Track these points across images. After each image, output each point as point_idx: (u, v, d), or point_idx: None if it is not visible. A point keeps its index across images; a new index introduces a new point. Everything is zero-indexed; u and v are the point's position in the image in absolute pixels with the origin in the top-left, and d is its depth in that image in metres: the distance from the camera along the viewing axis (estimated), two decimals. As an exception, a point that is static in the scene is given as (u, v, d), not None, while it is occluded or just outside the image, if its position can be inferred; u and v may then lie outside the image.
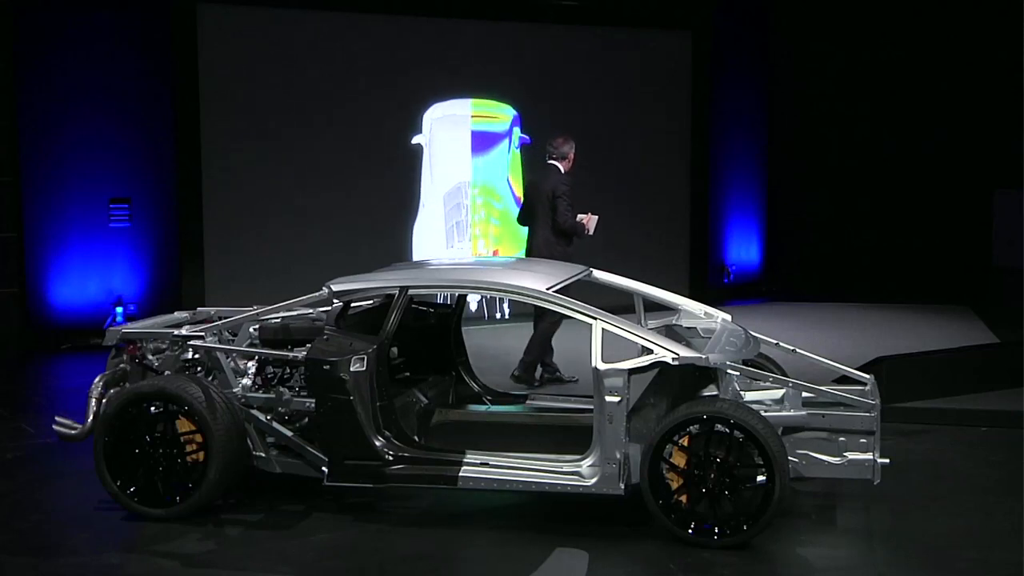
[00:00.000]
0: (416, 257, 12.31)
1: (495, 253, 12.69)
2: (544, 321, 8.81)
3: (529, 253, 8.89)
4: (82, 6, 11.15)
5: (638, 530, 5.72)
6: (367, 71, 12.23)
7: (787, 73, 15.56)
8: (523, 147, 12.84)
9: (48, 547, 5.68)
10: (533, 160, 12.54)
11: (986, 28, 15.05)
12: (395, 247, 12.08)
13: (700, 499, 5.48)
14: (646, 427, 5.69)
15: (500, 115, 12.81)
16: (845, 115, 15.87)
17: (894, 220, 16.08)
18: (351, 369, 5.78)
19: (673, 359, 5.60)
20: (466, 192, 12.65)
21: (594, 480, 5.61)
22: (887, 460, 5.81)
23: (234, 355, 6.20)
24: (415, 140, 12.42)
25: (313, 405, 5.90)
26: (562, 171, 8.92)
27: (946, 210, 16.01)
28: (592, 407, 5.70)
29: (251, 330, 6.40)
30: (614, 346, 5.74)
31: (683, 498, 5.50)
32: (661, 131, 13.87)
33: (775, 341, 6.72)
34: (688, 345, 6.02)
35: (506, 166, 12.84)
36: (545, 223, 8.82)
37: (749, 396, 6.08)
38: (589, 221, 8.76)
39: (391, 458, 5.82)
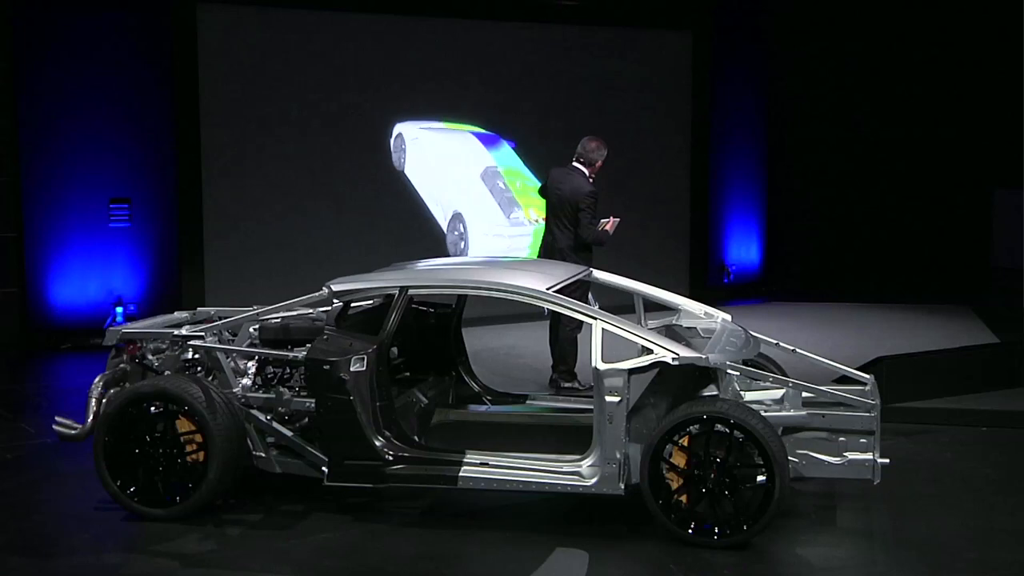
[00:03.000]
0: (475, 235, 12.40)
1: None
2: (564, 326, 8.63)
3: (550, 258, 8.49)
4: (82, 6, 11.14)
5: (638, 530, 5.72)
6: (368, 71, 12.22)
7: (787, 73, 15.55)
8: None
9: (48, 547, 5.69)
10: (528, 160, 12.61)
11: (986, 28, 15.06)
12: (395, 247, 12.07)
13: (700, 499, 5.48)
14: (646, 427, 5.69)
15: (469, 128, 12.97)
16: (845, 115, 15.88)
17: (893, 220, 16.09)
18: (351, 369, 5.78)
19: (673, 359, 5.60)
20: (498, 173, 12.77)
21: (594, 480, 5.61)
22: (887, 460, 5.80)
23: (234, 355, 6.20)
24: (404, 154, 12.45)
25: (313, 405, 5.91)
26: (587, 175, 8.62)
27: (946, 210, 16.02)
28: (592, 407, 5.70)
29: (251, 330, 6.40)
30: (614, 346, 5.74)
31: (683, 498, 5.50)
32: (661, 131, 13.87)
33: (775, 341, 6.72)
34: (688, 345, 6.02)
35: (516, 156, 12.94)
36: (567, 231, 8.55)
37: (749, 396, 6.08)
38: (611, 225, 8.51)
39: (391, 458, 5.82)
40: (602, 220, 8.53)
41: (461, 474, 5.75)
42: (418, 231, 12.45)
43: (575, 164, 8.73)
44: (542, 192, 9.02)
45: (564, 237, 8.60)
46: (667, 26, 13.84)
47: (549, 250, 8.69)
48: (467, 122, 12.76)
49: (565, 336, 8.73)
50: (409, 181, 12.53)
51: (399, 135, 12.43)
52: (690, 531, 5.49)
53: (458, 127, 12.78)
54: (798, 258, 15.76)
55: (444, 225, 12.71)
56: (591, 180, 8.64)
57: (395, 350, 6.65)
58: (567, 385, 8.71)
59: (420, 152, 12.54)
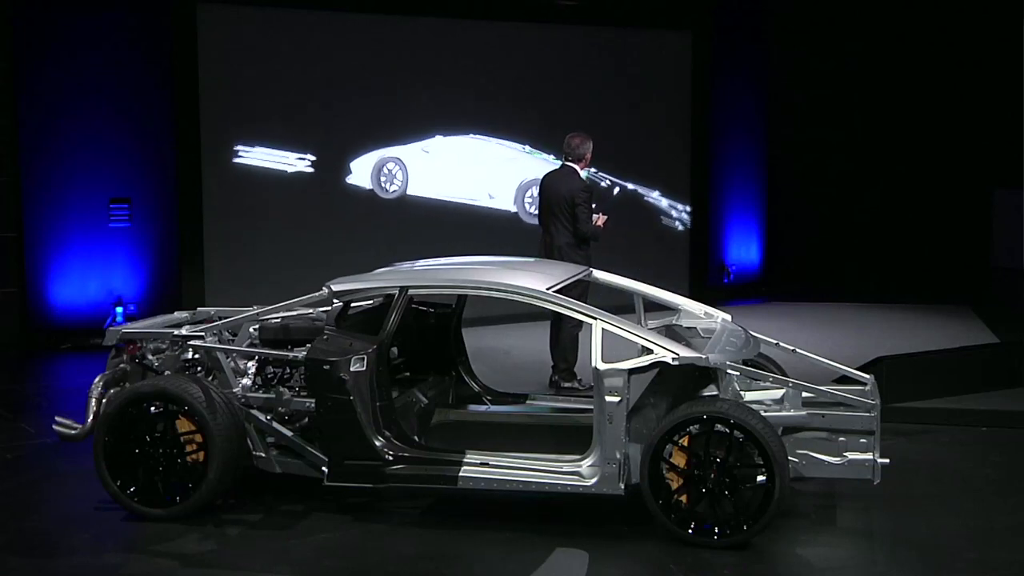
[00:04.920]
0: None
1: None
2: (566, 324, 8.68)
3: (549, 257, 8.60)
4: (82, 6, 11.14)
5: (638, 530, 5.72)
6: (367, 70, 12.22)
7: (787, 73, 15.56)
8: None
9: (48, 547, 5.69)
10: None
11: (986, 28, 15.06)
12: (396, 247, 12.05)
13: (700, 499, 5.48)
14: (646, 427, 5.69)
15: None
16: (845, 115, 15.87)
17: (894, 220, 16.09)
18: (351, 369, 5.78)
19: (673, 359, 5.60)
20: (532, 153, 12.92)
21: (594, 480, 5.61)
22: (887, 460, 5.80)
23: (234, 355, 6.20)
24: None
25: (313, 405, 5.91)
26: (580, 172, 8.76)
27: (946, 210, 16.02)
28: (592, 407, 5.70)
29: (251, 330, 6.40)
30: (614, 346, 5.74)
31: (683, 498, 5.50)
32: (661, 131, 13.87)
33: (775, 341, 6.72)
34: (688, 345, 6.02)
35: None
36: (565, 228, 8.65)
37: (749, 396, 6.08)
38: (601, 222, 8.66)
39: (391, 458, 5.82)
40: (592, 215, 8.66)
41: (461, 474, 5.75)
42: (419, 231, 12.43)
43: (567, 163, 8.88)
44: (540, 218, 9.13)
45: (562, 235, 8.70)
46: (667, 26, 13.84)
47: (548, 249, 8.76)
48: (467, 121, 12.75)
49: (566, 335, 8.77)
50: (416, 197, 12.54)
51: (391, 160, 12.37)
52: (690, 531, 5.49)
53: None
54: (798, 258, 15.76)
55: (510, 201, 12.87)
56: (583, 172, 8.82)
57: (395, 350, 6.65)
58: (567, 385, 8.73)
59: (435, 161, 12.54)
